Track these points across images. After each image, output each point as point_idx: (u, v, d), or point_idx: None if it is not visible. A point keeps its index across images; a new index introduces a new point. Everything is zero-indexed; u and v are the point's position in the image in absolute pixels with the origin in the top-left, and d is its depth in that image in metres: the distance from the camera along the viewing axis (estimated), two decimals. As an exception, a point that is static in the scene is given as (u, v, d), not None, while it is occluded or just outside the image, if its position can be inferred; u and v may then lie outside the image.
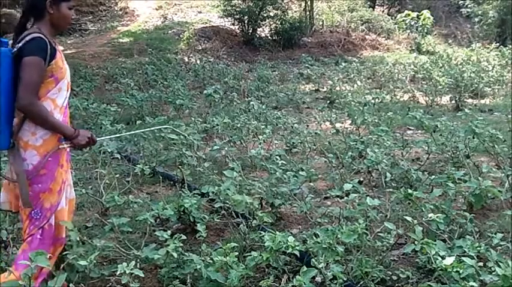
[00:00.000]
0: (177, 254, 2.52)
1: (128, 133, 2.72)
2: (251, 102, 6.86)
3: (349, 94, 8.11)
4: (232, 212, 3.25)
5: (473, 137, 4.36)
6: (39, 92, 2.18)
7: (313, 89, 9.92)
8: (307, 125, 6.40)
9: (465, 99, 8.25)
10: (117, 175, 4.27)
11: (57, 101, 2.26)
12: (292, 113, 7.54)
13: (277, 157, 4.28)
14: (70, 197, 2.46)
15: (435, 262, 2.25)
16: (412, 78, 10.14)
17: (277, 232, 2.65)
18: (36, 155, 2.19)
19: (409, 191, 3.14)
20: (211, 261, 2.42)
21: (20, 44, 2.14)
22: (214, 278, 2.36)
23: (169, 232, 2.68)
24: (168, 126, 4.24)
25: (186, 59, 12.15)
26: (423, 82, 9.64)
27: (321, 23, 15.65)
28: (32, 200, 2.18)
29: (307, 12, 15.31)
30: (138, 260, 2.57)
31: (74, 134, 2.28)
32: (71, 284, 2.24)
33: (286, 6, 14.67)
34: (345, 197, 3.04)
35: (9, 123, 2.16)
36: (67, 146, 2.29)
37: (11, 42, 2.24)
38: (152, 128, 4.12)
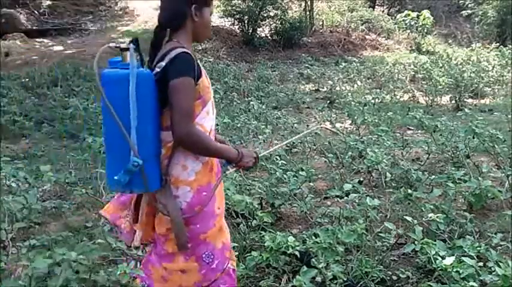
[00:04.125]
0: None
1: (284, 143, 2.62)
2: (251, 102, 6.86)
3: (349, 94, 8.11)
4: (232, 212, 3.25)
5: (473, 137, 4.35)
6: None
7: (313, 89, 9.92)
8: (307, 125, 6.40)
9: (465, 99, 8.25)
10: (117, 175, 4.26)
11: (206, 126, 1.93)
12: (292, 113, 7.54)
13: (277, 157, 4.28)
14: None
15: (435, 262, 2.26)
16: (412, 78, 10.14)
17: (277, 232, 2.65)
18: (190, 190, 1.89)
19: (409, 191, 3.15)
20: (211, 261, 2.41)
21: (164, 63, 1.80)
22: (214, 278, 2.36)
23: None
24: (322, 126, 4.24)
25: (186, 59, 12.14)
26: (423, 82, 9.64)
27: (321, 23, 15.65)
28: (191, 242, 1.91)
29: (307, 12, 15.31)
30: (138, 260, 2.57)
31: (239, 156, 1.96)
32: (71, 284, 2.23)
33: (286, 6, 14.67)
34: (345, 197, 3.04)
35: (158, 157, 1.87)
36: (232, 170, 2.04)
37: (146, 60, 1.92)
38: (305, 132, 3.95)
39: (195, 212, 1.89)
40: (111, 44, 1.80)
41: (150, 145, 1.80)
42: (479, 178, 3.47)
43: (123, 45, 1.77)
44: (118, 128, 1.72)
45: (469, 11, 16.82)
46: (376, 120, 5.69)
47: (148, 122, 1.78)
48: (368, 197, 2.85)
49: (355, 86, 9.63)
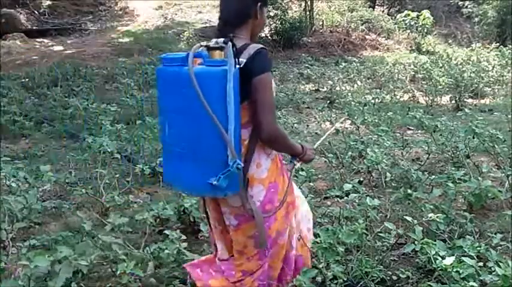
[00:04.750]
0: (177, 253, 2.53)
1: (324, 136, 2.61)
2: (251, 102, 6.84)
3: (349, 94, 8.11)
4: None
5: (473, 137, 4.35)
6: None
7: (313, 89, 9.91)
8: (307, 125, 6.40)
9: (465, 99, 8.24)
10: (117, 175, 4.27)
11: None
12: (292, 113, 7.53)
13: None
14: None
15: (435, 262, 2.25)
16: (412, 78, 10.13)
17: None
18: (263, 189, 1.89)
19: (409, 191, 3.14)
20: (211, 261, 2.41)
21: (244, 59, 1.76)
22: (214, 278, 2.36)
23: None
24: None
25: (186, 59, 12.13)
26: (423, 82, 9.63)
27: (321, 23, 15.65)
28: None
29: (307, 12, 15.30)
30: (137, 260, 2.57)
31: (303, 150, 2.02)
32: (72, 284, 2.24)
33: (286, 6, 14.67)
34: (345, 197, 3.04)
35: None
36: (298, 164, 2.08)
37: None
38: (334, 128, 3.78)
39: (266, 212, 1.89)
40: (202, 43, 1.78)
41: (238, 143, 1.76)
42: (479, 178, 3.47)
43: (211, 44, 1.76)
44: (210, 129, 1.67)
45: (470, 10, 16.82)
46: (376, 120, 5.69)
47: (237, 121, 1.73)
48: (368, 197, 2.84)
49: (355, 86, 9.62)
